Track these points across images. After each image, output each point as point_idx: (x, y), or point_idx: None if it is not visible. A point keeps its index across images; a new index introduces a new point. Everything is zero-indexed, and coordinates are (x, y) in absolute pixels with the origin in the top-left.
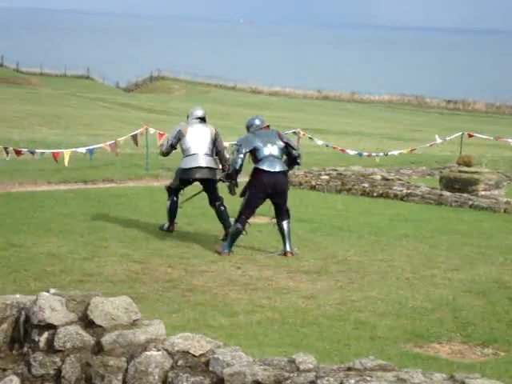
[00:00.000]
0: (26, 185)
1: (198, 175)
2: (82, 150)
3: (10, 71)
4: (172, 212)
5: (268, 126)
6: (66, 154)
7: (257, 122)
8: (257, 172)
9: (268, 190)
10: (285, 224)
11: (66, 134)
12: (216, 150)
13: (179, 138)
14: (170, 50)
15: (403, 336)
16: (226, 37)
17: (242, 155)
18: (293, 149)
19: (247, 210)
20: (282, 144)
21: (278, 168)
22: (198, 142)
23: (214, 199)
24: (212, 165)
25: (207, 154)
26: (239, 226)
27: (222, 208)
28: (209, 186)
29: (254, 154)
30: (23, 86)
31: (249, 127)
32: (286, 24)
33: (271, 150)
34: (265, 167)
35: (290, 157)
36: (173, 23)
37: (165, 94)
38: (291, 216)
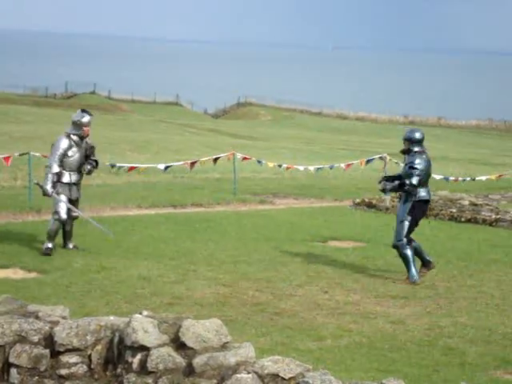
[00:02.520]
0: (117, 209)
1: None
2: (161, 166)
3: (102, 98)
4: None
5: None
6: (141, 169)
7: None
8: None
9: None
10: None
11: (155, 159)
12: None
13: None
14: (257, 76)
15: (493, 362)
16: (314, 63)
17: None
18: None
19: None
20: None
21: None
22: None
23: None
24: None
25: None
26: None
27: None
28: None
29: None
30: (114, 112)
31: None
32: (375, 50)
33: None
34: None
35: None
36: (260, 50)
37: (251, 119)
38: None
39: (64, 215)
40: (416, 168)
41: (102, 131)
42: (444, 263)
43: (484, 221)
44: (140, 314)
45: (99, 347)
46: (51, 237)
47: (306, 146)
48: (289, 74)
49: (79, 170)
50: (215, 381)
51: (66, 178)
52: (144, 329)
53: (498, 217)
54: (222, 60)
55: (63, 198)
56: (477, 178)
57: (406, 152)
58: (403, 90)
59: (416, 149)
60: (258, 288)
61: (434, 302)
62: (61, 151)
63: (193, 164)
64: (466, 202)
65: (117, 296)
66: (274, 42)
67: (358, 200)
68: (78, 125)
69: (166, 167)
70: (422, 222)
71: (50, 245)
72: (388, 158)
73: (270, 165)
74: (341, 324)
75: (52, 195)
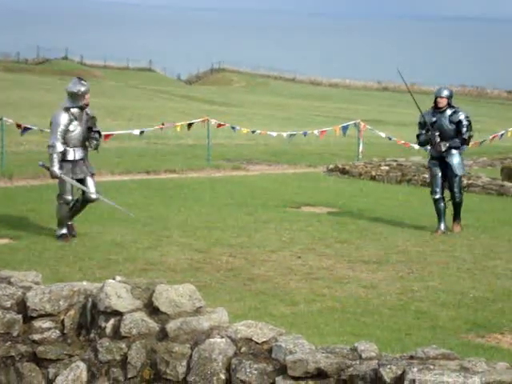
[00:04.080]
0: None
1: None
2: (137, 132)
3: (75, 64)
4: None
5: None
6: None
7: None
8: None
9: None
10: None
11: (128, 125)
12: None
13: None
14: (231, 42)
15: (464, 326)
16: (289, 29)
17: None
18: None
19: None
20: None
21: None
22: None
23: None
24: None
25: None
26: None
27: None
28: None
29: None
30: (87, 78)
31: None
32: (350, 16)
33: None
34: None
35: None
36: (235, 15)
37: (225, 85)
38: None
39: (69, 196)
40: (470, 121)
41: None
42: (416, 228)
43: None
44: (113, 279)
45: (72, 312)
46: (62, 223)
47: (280, 112)
48: (263, 40)
49: (83, 145)
50: (188, 345)
51: (70, 155)
52: (117, 294)
53: (470, 182)
54: (194, 26)
55: (71, 179)
56: None
57: (442, 110)
58: (377, 56)
59: (453, 104)
60: (231, 254)
61: (406, 267)
62: (62, 127)
63: (164, 126)
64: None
65: (90, 262)
66: (249, 7)
67: (331, 166)
68: (78, 95)
69: (141, 132)
70: (395, 187)
71: (63, 231)
72: (362, 124)
73: (244, 131)
74: (314, 289)
75: (60, 176)
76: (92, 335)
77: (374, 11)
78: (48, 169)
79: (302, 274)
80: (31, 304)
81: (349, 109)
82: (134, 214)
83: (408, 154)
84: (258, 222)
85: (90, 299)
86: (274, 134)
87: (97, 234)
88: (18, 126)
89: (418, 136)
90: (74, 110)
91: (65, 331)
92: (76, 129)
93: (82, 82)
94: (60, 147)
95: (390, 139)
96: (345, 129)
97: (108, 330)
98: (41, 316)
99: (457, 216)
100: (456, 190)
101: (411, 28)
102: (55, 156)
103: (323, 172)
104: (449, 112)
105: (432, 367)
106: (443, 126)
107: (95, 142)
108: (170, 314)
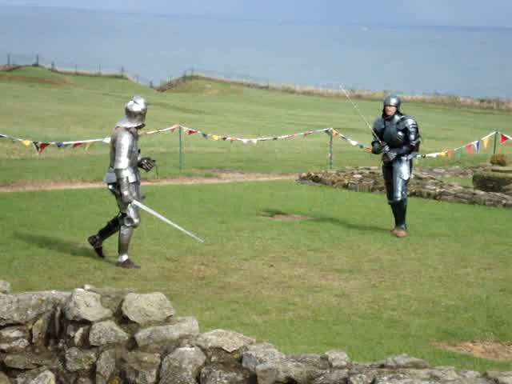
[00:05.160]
0: (61, 183)
1: None
2: (107, 140)
3: (46, 71)
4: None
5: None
6: (88, 144)
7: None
8: None
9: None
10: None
11: (100, 133)
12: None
13: None
14: (204, 49)
15: (436, 335)
16: (261, 37)
17: None
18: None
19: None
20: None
21: None
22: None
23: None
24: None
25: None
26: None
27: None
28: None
29: None
30: (58, 85)
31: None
32: (323, 24)
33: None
34: None
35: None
36: (208, 23)
37: (198, 93)
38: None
39: (138, 219)
40: (417, 128)
41: (47, 105)
42: (388, 237)
43: (428, 194)
44: (82, 287)
45: (40, 321)
46: (127, 248)
47: (253, 120)
48: (236, 48)
49: (138, 166)
50: (158, 354)
51: (132, 177)
52: (86, 303)
53: (443, 190)
54: (168, 34)
55: (142, 204)
56: (427, 155)
57: (390, 117)
58: (350, 64)
59: (401, 111)
60: (203, 262)
61: (378, 275)
62: (128, 148)
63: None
64: (411, 176)
65: (60, 271)
66: (222, 15)
67: (304, 174)
68: (142, 115)
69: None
70: (368, 195)
71: (126, 256)
72: (334, 132)
73: (215, 137)
74: (286, 297)
75: (133, 202)
76: (60, 344)
77: (346, 20)
78: (121, 194)
79: (274, 282)
80: None
81: (322, 117)
82: (203, 241)
83: (381, 162)
84: (231, 231)
85: (58, 308)
86: (245, 140)
87: (67, 242)
88: None
89: (372, 143)
90: (134, 130)
91: (33, 340)
92: (136, 149)
93: (144, 100)
94: (129, 171)
95: (361, 147)
96: (311, 132)
97: (77, 340)
98: (9, 325)
99: (400, 220)
100: (398, 190)
101: (384, 36)
102: (125, 180)
103: (296, 180)
104: (396, 119)
105: (402, 376)
106: (392, 134)
107: (153, 163)
108: (140, 323)
